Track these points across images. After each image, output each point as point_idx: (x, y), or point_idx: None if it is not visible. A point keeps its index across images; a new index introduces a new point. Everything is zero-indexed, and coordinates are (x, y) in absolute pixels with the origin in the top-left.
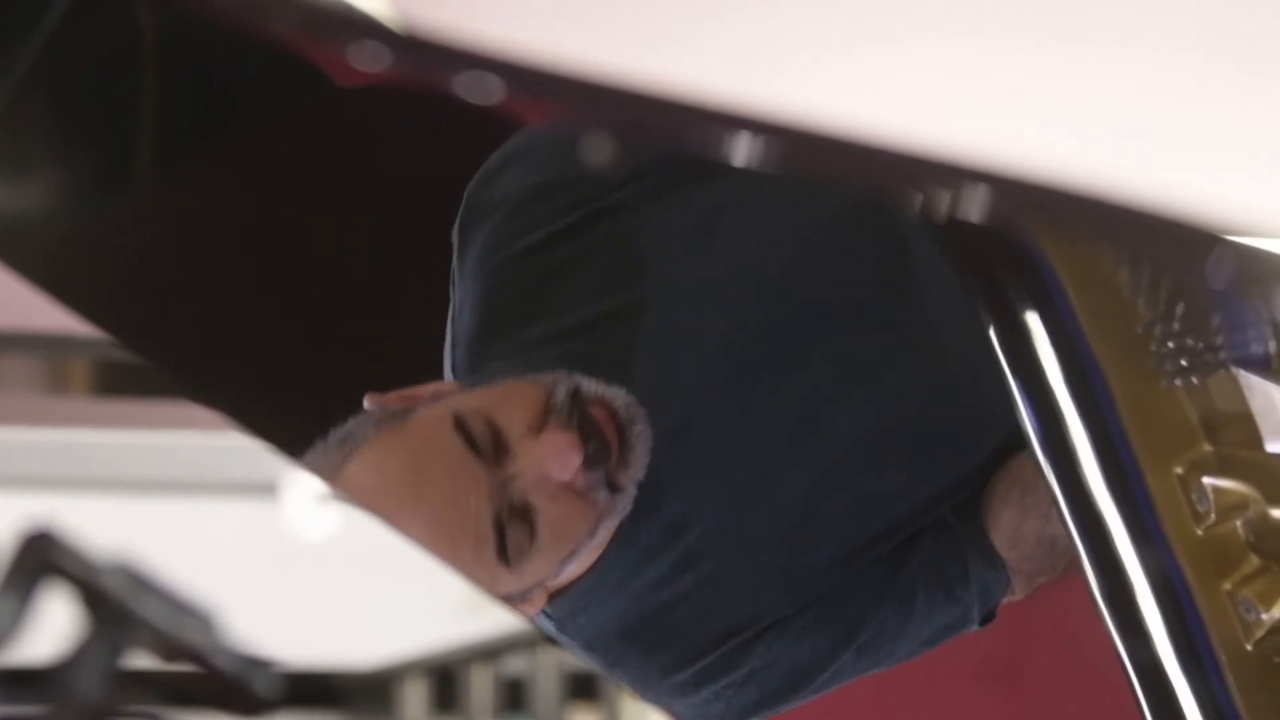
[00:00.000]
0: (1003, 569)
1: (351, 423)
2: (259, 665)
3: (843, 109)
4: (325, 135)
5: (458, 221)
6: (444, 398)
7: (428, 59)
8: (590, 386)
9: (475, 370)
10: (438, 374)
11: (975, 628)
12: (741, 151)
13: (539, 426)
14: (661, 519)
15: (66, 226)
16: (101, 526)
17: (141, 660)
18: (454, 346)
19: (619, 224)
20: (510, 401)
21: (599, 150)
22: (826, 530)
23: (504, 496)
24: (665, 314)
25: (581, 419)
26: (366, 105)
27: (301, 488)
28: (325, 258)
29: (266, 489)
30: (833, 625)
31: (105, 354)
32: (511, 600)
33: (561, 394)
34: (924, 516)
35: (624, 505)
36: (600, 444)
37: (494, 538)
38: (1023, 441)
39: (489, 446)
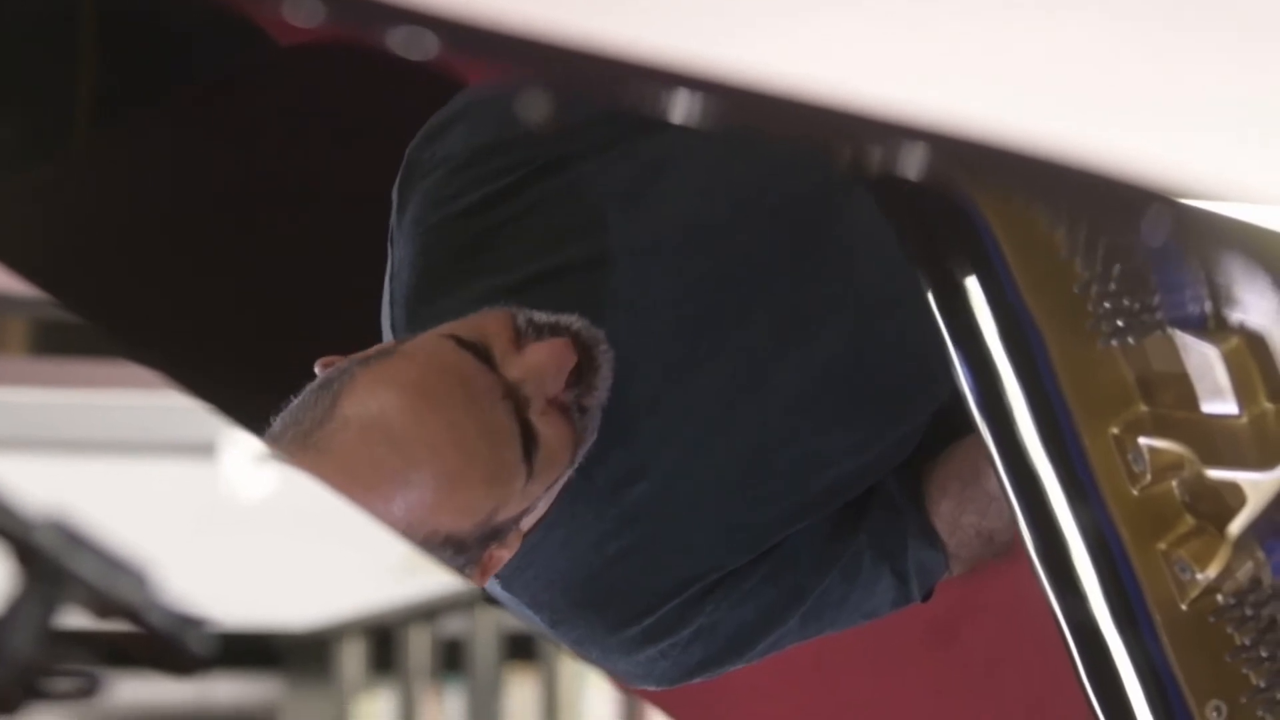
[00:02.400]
0: (942, 549)
1: (320, 377)
2: (194, 624)
3: (783, 67)
4: (264, 92)
5: (398, 180)
6: (408, 339)
7: (363, 15)
8: (542, 316)
9: (414, 328)
10: (378, 333)
11: (917, 601)
12: (683, 109)
13: (517, 345)
14: (608, 474)
15: (3, 185)
16: (38, 485)
17: (75, 618)
18: (392, 304)
19: (558, 183)
20: (484, 324)
21: (539, 106)
22: (772, 486)
23: (514, 399)
24: (607, 270)
25: (553, 332)
26: (305, 62)
27: (239, 448)
28: (265, 216)
29: (204, 449)
30: (779, 588)
31: (43, 313)
32: (505, 531)
33: (522, 319)
34: (870, 476)
35: (592, 430)
36: (578, 356)
37: (520, 434)
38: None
39: (487, 358)
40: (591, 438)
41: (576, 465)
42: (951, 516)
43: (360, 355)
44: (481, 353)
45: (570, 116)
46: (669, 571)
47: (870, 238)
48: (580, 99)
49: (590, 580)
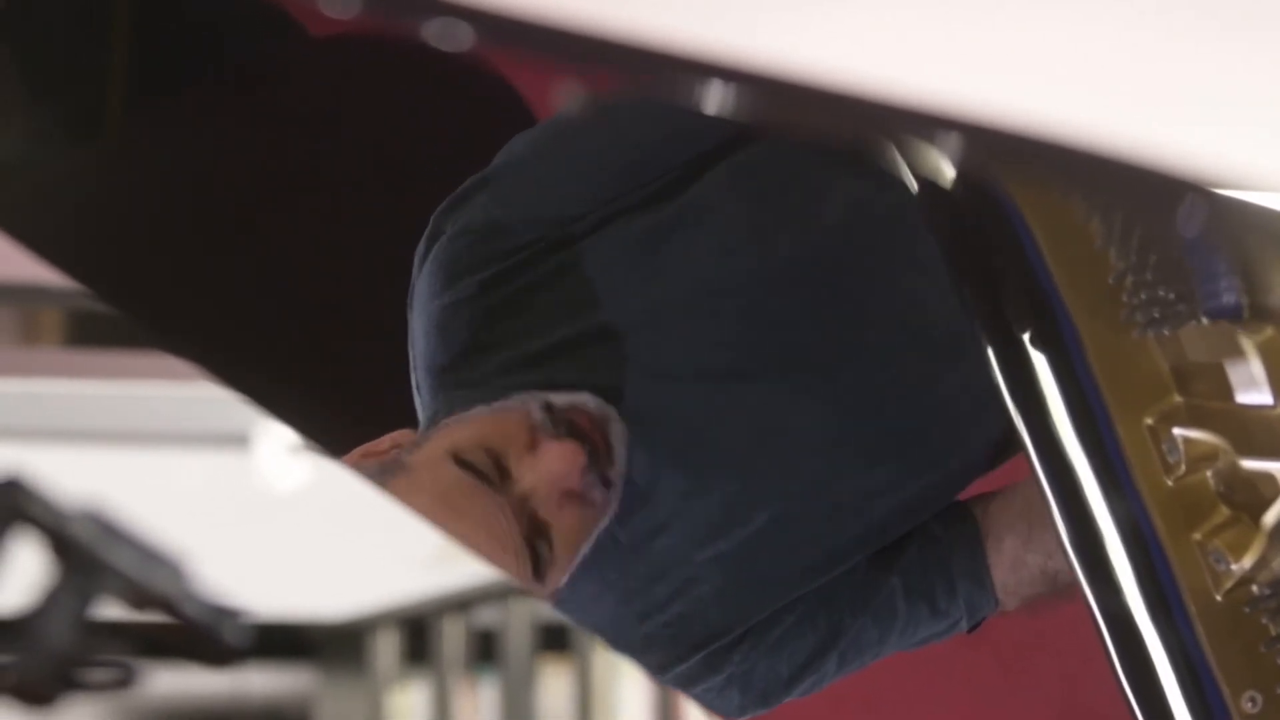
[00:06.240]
0: (991, 590)
1: None
2: (229, 615)
3: (817, 59)
4: (297, 84)
5: (422, 242)
6: (423, 440)
7: (397, 5)
8: (559, 398)
9: (436, 397)
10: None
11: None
12: (716, 101)
13: (533, 444)
14: (631, 530)
15: (37, 175)
16: (73, 477)
17: (111, 609)
18: (414, 368)
19: (572, 252)
20: (497, 428)
21: (566, 182)
22: (798, 538)
23: (524, 516)
24: (623, 337)
25: (569, 427)
26: (338, 53)
27: (273, 438)
28: (298, 207)
29: (238, 440)
30: (810, 633)
31: (77, 304)
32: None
33: (538, 411)
34: (904, 522)
35: (615, 501)
36: (592, 446)
37: (530, 555)
38: (1015, 448)
39: (494, 473)
40: (614, 506)
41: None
42: (1016, 554)
43: (374, 460)
44: (483, 470)
45: (586, 193)
46: (696, 625)
47: (890, 283)
48: (614, 92)
49: (622, 633)
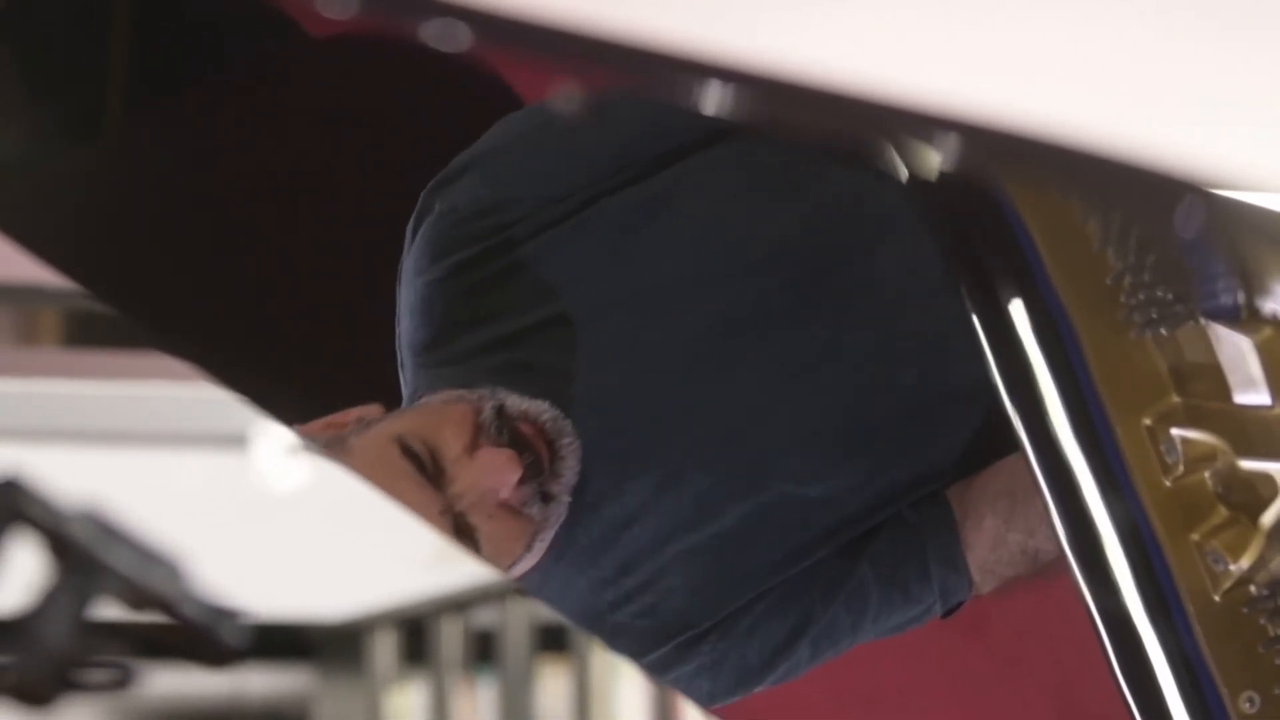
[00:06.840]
0: (966, 574)
1: None
2: (227, 615)
3: (816, 59)
4: (295, 84)
5: (412, 219)
6: (376, 421)
7: (395, 6)
8: (515, 402)
9: (417, 374)
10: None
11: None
12: (715, 101)
13: (472, 447)
14: (601, 521)
15: (37, 175)
16: (72, 477)
17: (109, 610)
18: (398, 345)
19: (551, 236)
20: (442, 423)
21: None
22: (769, 531)
23: (451, 515)
24: (596, 322)
25: (512, 436)
26: (337, 54)
27: (272, 439)
28: (296, 208)
29: (237, 440)
30: (779, 623)
31: (76, 304)
32: None
33: (488, 412)
34: (877, 514)
35: (558, 514)
36: (533, 458)
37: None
38: (991, 444)
39: (432, 467)
40: (558, 521)
41: (568, 516)
42: (997, 532)
43: (319, 434)
44: (425, 462)
45: (568, 178)
46: (667, 615)
47: (871, 280)
48: (611, 92)
49: (593, 621)
